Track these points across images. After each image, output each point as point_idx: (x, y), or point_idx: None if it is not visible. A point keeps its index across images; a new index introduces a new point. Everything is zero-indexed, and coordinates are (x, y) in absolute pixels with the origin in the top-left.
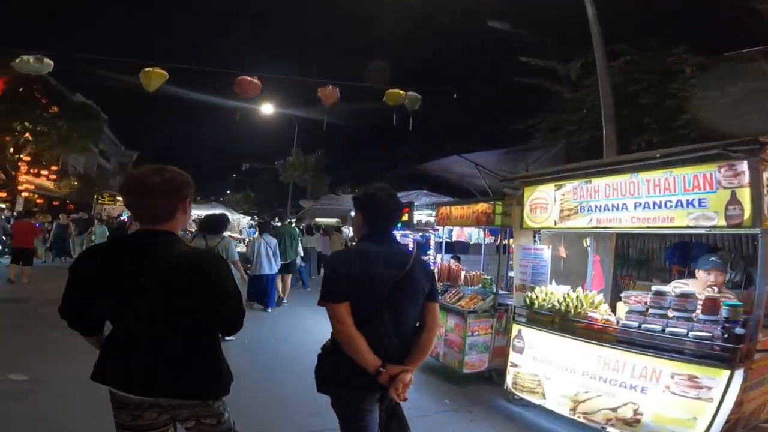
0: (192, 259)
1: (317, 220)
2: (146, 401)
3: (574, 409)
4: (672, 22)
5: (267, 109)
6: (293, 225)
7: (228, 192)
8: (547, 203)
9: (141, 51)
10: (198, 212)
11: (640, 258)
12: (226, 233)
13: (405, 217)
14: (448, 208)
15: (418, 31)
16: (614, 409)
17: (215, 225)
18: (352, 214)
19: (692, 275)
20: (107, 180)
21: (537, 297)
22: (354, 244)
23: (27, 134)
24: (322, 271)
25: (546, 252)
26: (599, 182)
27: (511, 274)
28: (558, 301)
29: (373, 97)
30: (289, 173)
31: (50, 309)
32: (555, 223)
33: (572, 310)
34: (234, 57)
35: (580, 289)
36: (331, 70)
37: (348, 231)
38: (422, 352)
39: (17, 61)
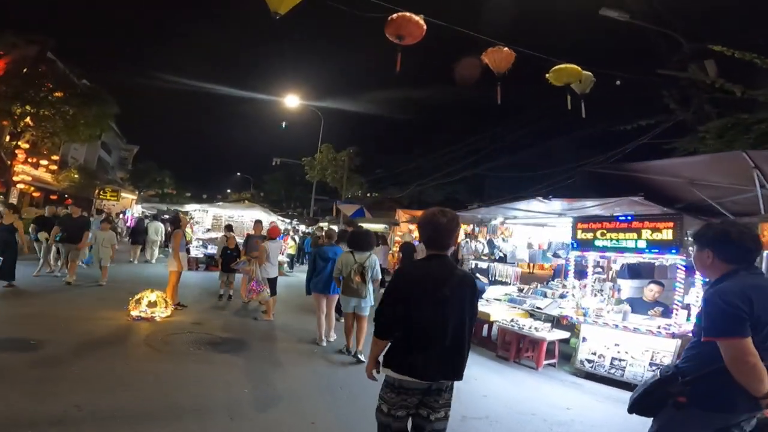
0: (468, 277)
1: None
2: (423, 385)
3: None
4: None
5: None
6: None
7: (228, 191)
8: None
9: None
10: (230, 212)
11: None
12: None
13: (670, 236)
14: None
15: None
16: None
17: (365, 243)
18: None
19: None
20: (107, 173)
21: None
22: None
23: (28, 119)
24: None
25: None
26: None
27: None
28: None
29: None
30: (317, 172)
31: (86, 361)
32: None
33: None
34: None
35: None
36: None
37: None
38: None
39: None
